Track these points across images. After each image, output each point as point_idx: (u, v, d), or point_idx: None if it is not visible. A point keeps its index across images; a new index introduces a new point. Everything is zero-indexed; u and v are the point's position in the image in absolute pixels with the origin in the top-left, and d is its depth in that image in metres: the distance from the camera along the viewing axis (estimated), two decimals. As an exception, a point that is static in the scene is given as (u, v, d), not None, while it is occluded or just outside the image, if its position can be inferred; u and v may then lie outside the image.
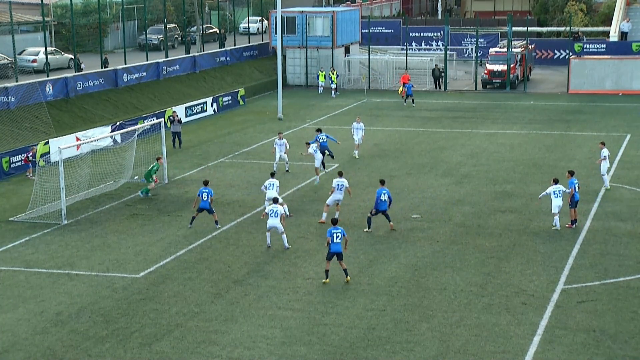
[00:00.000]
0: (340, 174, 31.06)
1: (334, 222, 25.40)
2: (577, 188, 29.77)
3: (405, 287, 24.55)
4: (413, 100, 57.21)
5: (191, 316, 22.74)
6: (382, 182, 30.20)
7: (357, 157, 41.19)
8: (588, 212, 31.59)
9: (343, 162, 40.12)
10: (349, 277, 24.92)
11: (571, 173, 30.25)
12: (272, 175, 31.58)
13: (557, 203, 29.36)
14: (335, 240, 24.64)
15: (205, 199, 29.78)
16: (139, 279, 25.63)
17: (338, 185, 30.42)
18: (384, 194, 29.36)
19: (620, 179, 36.31)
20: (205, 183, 30.59)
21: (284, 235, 27.86)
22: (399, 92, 60.02)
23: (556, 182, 29.77)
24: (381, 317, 22.43)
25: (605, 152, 34.51)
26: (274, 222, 27.49)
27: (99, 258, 27.39)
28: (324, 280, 24.86)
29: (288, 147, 38.17)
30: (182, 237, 29.30)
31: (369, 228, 29.73)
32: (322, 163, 37.13)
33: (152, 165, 35.17)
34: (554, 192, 29.41)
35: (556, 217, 29.53)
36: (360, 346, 20.77)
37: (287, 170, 38.18)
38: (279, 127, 50.26)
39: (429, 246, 28.12)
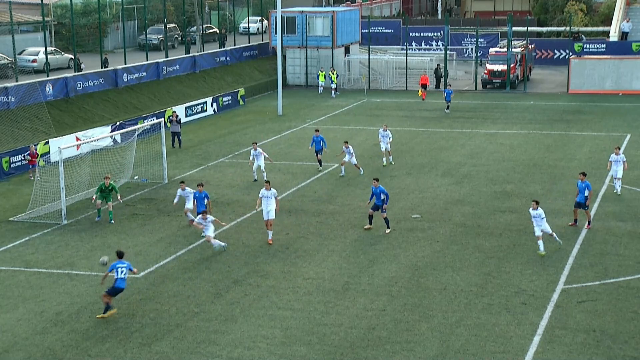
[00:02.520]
0: (268, 183, 29.07)
1: (120, 255, 23.14)
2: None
3: (405, 287, 24.55)
4: (449, 106, 54.41)
5: (191, 316, 22.74)
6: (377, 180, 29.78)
7: (392, 163, 39.85)
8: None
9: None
10: (111, 312, 22.73)
11: (584, 174, 29.58)
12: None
13: (542, 227, 26.98)
14: (119, 275, 22.64)
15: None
16: (139, 278, 25.61)
17: (263, 196, 28.73)
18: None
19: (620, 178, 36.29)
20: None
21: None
22: (419, 94, 59.89)
23: (537, 203, 27.08)
24: (381, 317, 22.43)
25: (622, 157, 33.49)
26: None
27: (99, 258, 27.36)
28: (100, 315, 22.63)
29: (267, 155, 36.54)
30: (182, 237, 29.29)
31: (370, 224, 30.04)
32: (319, 161, 38.22)
33: (100, 184, 31.48)
34: (534, 216, 27.00)
35: (540, 241, 27.06)
36: (360, 346, 20.77)
37: (255, 180, 36.50)
38: (279, 126, 50.30)
39: (429, 246, 28.12)
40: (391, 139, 40.03)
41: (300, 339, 21.21)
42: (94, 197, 31.24)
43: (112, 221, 31.18)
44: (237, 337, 21.39)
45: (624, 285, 24.42)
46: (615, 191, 33.81)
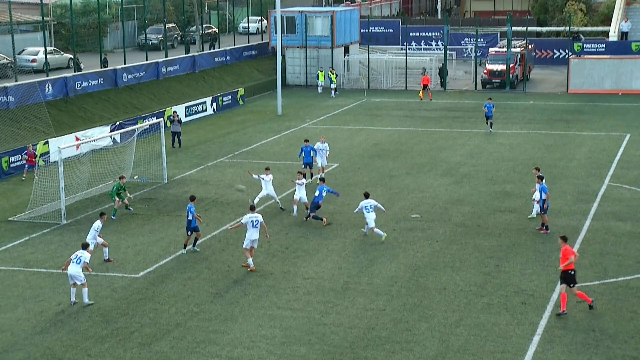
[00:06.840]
0: (252, 209, 26.55)
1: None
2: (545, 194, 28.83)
3: (405, 287, 24.56)
4: (492, 124, 47.64)
5: (191, 316, 22.74)
6: (323, 180, 31.12)
7: (317, 178, 34.32)
8: (588, 212, 31.60)
9: (342, 161, 40.10)
10: None
11: (540, 178, 29.43)
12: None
13: (371, 217, 28.31)
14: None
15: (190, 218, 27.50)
16: (139, 278, 25.64)
17: (252, 221, 25.86)
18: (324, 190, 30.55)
19: (619, 178, 36.32)
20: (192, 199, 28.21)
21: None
22: (420, 95, 59.75)
23: (367, 196, 28.56)
24: (381, 317, 22.44)
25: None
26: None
27: (99, 258, 27.36)
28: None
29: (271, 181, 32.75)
30: (181, 237, 29.25)
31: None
32: (310, 174, 36.17)
33: (114, 186, 31.94)
34: (365, 207, 28.30)
35: (376, 230, 28.16)
36: (360, 346, 20.77)
37: (282, 208, 32.54)
38: (278, 126, 50.28)
39: (428, 246, 28.13)
40: (328, 151, 37.13)
41: (300, 338, 21.22)
42: (118, 200, 31.78)
43: (114, 217, 31.63)
44: (236, 337, 21.40)
45: (624, 285, 24.44)
46: (530, 215, 31.00)
